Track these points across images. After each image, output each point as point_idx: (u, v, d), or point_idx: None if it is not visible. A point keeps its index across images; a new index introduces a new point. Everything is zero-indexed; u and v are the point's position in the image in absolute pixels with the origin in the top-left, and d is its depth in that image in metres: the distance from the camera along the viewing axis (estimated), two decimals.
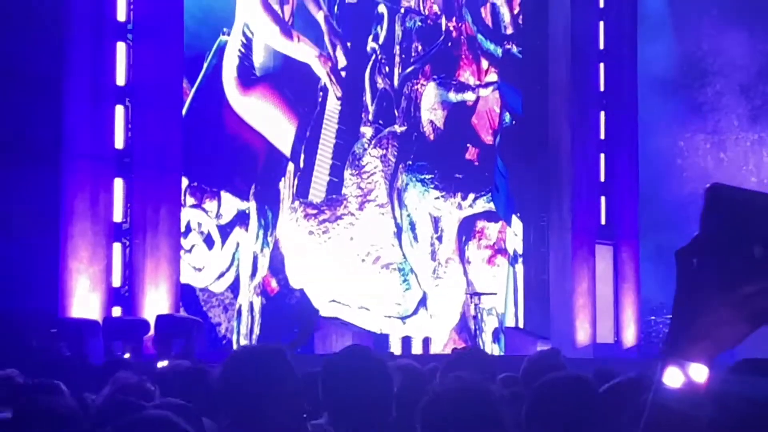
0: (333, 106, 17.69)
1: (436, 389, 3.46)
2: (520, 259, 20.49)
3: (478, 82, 20.18)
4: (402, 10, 18.82)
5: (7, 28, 13.63)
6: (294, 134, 17.26)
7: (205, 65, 16.58)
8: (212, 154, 16.55)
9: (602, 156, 21.85)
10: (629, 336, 21.32)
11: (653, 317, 21.56)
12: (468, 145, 19.48)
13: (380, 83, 18.11)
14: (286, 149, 17.13)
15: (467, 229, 19.33)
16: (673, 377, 1.77)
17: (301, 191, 17.27)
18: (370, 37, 18.27)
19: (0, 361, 7.60)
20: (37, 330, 12.89)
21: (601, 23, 22.00)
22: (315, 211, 17.22)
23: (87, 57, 14.59)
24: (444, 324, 18.86)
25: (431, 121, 18.75)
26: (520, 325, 20.99)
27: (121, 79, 15.17)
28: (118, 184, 15.06)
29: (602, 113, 21.90)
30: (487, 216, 19.72)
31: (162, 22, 15.45)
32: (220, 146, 16.66)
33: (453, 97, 19.43)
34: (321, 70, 17.64)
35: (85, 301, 14.16)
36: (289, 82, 17.29)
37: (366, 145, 17.75)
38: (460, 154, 19.47)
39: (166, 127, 15.48)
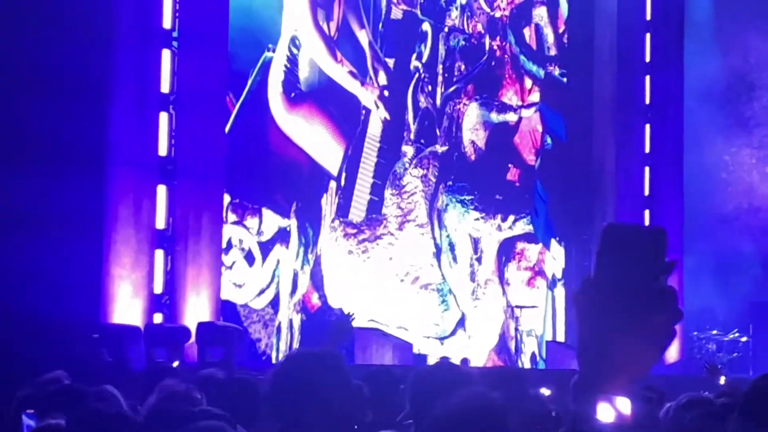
0: (375, 124, 17.70)
1: (443, 405, 3.41)
2: (559, 283, 20.27)
3: (520, 103, 20.06)
4: (446, 29, 18.74)
5: (53, 35, 13.69)
6: (337, 152, 17.28)
7: (250, 81, 16.61)
8: (255, 171, 16.61)
9: (647, 169, 21.71)
10: (672, 351, 21.10)
11: (696, 332, 21.38)
12: (509, 165, 19.41)
13: (422, 102, 18.10)
14: (329, 166, 17.18)
15: (507, 251, 19.22)
16: (605, 412, 1.84)
17: (342, 210, 17.30)
18: (414, 56, 18.24)
19: (43, 366, 7.60)
20: (79, 335, 12.94)
21: (648, 35, 21.88)
22: (354, 231, 17.25)
23: (132, 64, 14.64)
24: (482, 345, 18.80)
25: (472, 142, 18.69)
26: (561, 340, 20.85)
27: (165, 87, 15.22)
28: (161, 191, 15.09)
29: (647, 126, 21.77)
30: (527, 238, 19.60)
31: (207, 30, 15.49)
32: (262, 163, 16.72)
33: (495, 117, 19.35)
34: (367, 98, 17.60)
35: (126, 307, 14.19)
36: (333, 99, 17.31)
37: (407, 165, 17.76)
38: (501, 174, 19.37)
39: (210, 135, 15.51)
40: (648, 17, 21.92)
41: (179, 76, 15.34)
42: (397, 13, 17.69)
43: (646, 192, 21.66)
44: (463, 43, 18.94)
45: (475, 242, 18.54)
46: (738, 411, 4.19)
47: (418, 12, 18.25)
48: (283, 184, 16.78)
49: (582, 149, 21.36)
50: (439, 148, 18.14)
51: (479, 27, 19.54)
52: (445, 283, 18.00)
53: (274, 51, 16.85)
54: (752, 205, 24.37)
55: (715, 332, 21.18)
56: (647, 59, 21.86)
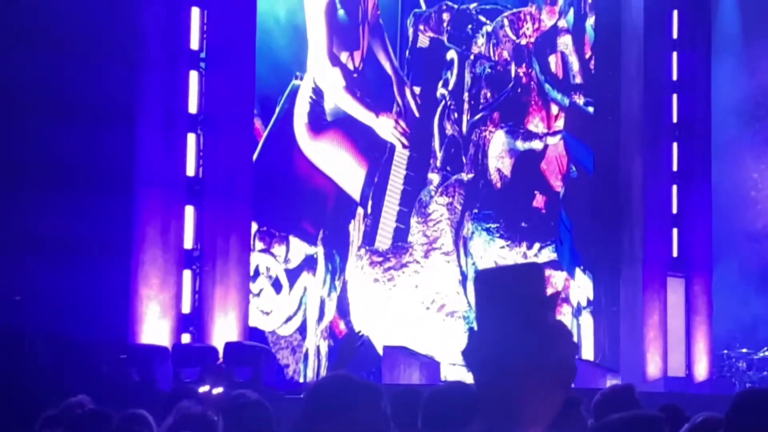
0: (401, 151, 17.75)
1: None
2: (585, 311, 20.26)
3: (546, 130, 20.02)
4: (472, 56, 18.74)
5: (82, 55, 13.80)
6: (363, 179, 17.34)
7: (278, 109, 16.69)
8: (282, 199, 16.68)
9: (675, 188, 21.67)
10: (701, 370, 21.05)
11: (726, 351, 21.28)
12: (536, 192, 19.43)
13: (449, 129, 18.11)
14: (356, 194, 17.24)
15: None
16: None
17: (368, 237, 17.35)
18: (440, 83, 18.24)
19: (71, 386, 7.65)
20: (108, 355, 12.99)
21: (675, 54, 21.86)
22: (380, 259, 17.27)
23: (160, 84, 14.72)
24: None
25: (498, 169, 18.73)
26: (590, 358, 20.82)
27: (193, 107, 15.29)
28: (189, 211, 15.15)
29: (675, 144, 21.73)
30: (553, 265, 19.63)
31: (235, 51, 15.56)
32: (289, 191, 16.79)
33: (520, 145, 19.35)
34: (386, 131, 17.62)
35: (154, 327, 14.24)
36: (359, 127, 17.38)
37: (433, 193, 17.81)
38: (527, 201, 19.39)
39: (237, 156, 15.57)
40: (675, 36, 21.90)
41: (206, 96, 15.41)
42: (423, 41, 17.72)
43: (675, 210, 21.61)
44: (489, 70, 18.94)
45: None
46: (723, 428, 4.16)
47: (445, 39, 18.28)
48: (310, 211, 16.86)
49: (609, 175, 21.36)
50: (465, 176, 18.22)
51: (505, 54, 19.51)
52: (470, 311, 17.99)
53: (301, 79, 16.91)
54: None
55: (744, 350, 21.07)
56: (674, 78, 21.83)
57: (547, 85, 20.19)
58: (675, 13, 21.97)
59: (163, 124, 14.68)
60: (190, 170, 15.21)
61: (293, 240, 16.75)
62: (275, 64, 16.79)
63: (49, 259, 13.54)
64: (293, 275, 16.84)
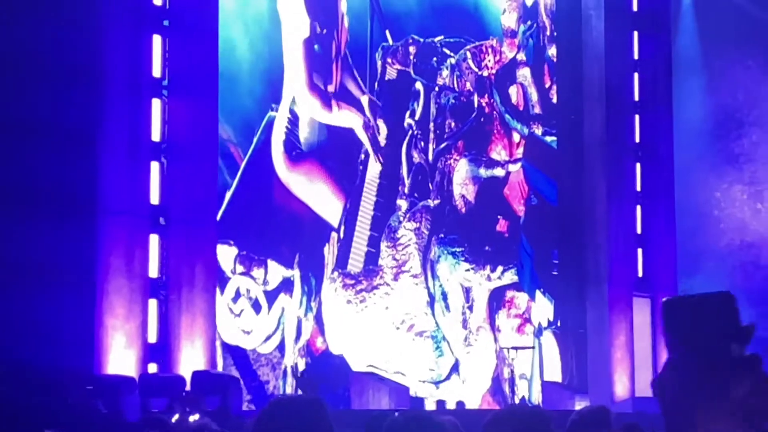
0: (372, 178, 18.20)
1: None
2: (546, 331, 20.43)
3: (507, 158, 20.35)
4: (437, 88, 19.31)
5: (43, 83, 13.69)
6: (337, 205, 17.83)
7: (255, 139, 16.95)
8: (261, 224, 17.08)
9: (638, 208, 21.75)
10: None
11: None
12: (499, 216, 19.85)
13: (416, 158, 18.63)
14: (330, 218, 17.74)
15: (497, 299, 19.66)
16: None
17: (341, 261, 17.74)
18: (408, 113, 18.80)
19: (37, 419, 7.54)
20: (74, 387, 12.84)
21: (636, 74, 21.97)
22: (353, 281, 17.72)
23: (122, 113, 14.64)
24: (476, 388, 19.04)
25: (463, 196, 19.15)
26: (558, 379, 20.81)
27: (156, 135, 15.21)
28: (154, 240, 15.05)
29: (638, 165, 21.82)
30: (516, 286, 20.03)
31: (197, 78, 15.51)
32: (268, 217, 17.22)
33: (483, 173, 19.78)
34: (364, 136, 18.18)
35: (121, 357, 14.11)
36: (332, 155, 17.81)
37: (401, 218, 18.29)
38: (491, 226, 19.77)
39: (201, 183, 15.49)
40: (636, 56, 22.02)
41: (170, 124, 15.34)
42: (391, 73, 18.37)
43: (639, 230, 21.69)
44: (453, 101, 19.48)
45: (467, 291, 18.94)
46: None
47: (411, 71, 18.87)
48: (287, 236, 17.33)
49: (572, 197, 21.45)
50: (432, 202, 18.67)
51: (468, 85, 19.95)
52: (438, 330, 18.44)
53: (277, 110, 17.03)
54: (744, 241, 24.38)
55: None
56: (636, 98, 21.94)
57: (507, 116, 20.36)
58: (635, 34, 22.09)
59: (126, 153, 14.59)
60: (154, 198, 15.12)
61: (271, 263, 17.10)
62: (254, 93, 17.08)
63: (13, 289, 13.39)
64: (272, 296, 17.15)
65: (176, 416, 12.24)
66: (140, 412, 12.71)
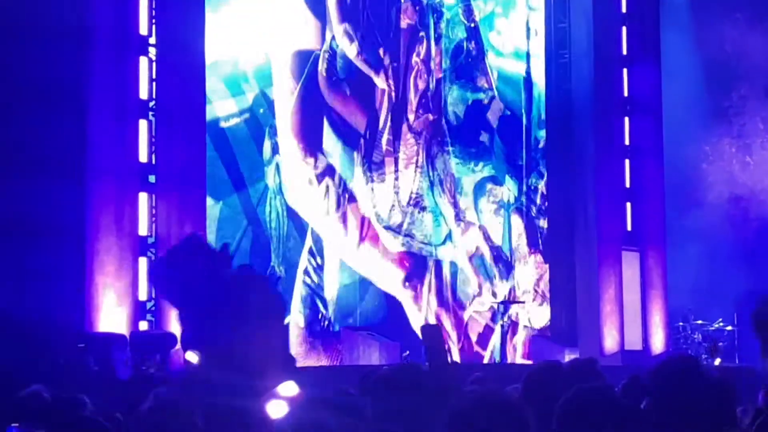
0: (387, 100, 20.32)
1: (458, 403, 3.41)
2: (512, 208, 21.70)
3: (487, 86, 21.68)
4: (435, 36, 21.29)
5: (29, 42, 13.68)
6: (362, 119, 19.80)
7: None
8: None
9: (627, 162, 21.80)
10: (657, 342, 21.21)
11: (681, 323, 21.46)
12: (481, 131, 21.74)
13: (420, 85, 20.88)
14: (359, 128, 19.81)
15: (480, 188, 21.40)
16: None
17: (367, 155, 19.82)
18: (414, 54, 20.86)
19: (28, 376, 7.59)
20: (65, 345, 12.92)
21: (624, 28, 21.95)
22: (376, 166, 19.96)
23: (110, 72, 14.63)
24: (465, 251, 20.82)
25: (455, 112, 21.28)
26: (548, 334, 20.96)
27: (144, 93, 15.20)
28: (143, 198, 15.08)
29: (626, 119, 21.85)
30: (494, 180, 21.59)
31: (184, 35, 15.49)
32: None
33: (470, 96, 21.55)
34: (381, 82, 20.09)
35: (111, 315, 14.18)
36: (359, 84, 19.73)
37: (411, 126, 20.67)
38: (475, 136, 21.58)
39: (190, 141, 15.52)
40: (624, 10, 21.99)
41: (158, 82, 15.33)
42: (403, 24, 20.76)
43: (627, 184, 21.75)
44: (449, 45, 21.40)
45: (457, 180, 20.96)
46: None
47: (417, 24, 21.01)
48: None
49: (560, 151, 21.64)
50: (431, 117, 20.87)
51: (459, 34, 21.35)
52: (436, 207, 20.62)
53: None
54: (733, 194, 24.45)
55: (700, 322, 21.25)
56: (624, 52, 21.93)
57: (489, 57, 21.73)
58: None
59: (114, 112, 14.60)
60: (143, 157, 15.14)
61: None
62: None
63: (2, 248, 13.45)
64: None
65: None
66: (131, 369, 12.80)
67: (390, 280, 19.51)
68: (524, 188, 22.11)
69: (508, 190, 22.03)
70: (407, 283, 19.84)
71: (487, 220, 21.29)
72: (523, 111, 21.75)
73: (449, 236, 20.78)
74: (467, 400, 3.36)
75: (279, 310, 3.37)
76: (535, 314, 21.24)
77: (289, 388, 1.85)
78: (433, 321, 19.11)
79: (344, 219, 19.00)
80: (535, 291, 21.40)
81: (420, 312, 19.58)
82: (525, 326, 20.98)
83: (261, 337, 2.96)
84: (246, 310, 3.06)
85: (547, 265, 21.65)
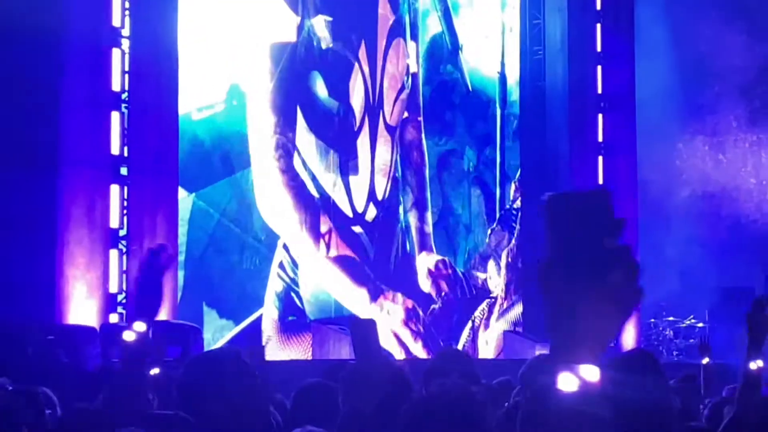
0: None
1: (419, 395, 3.41)
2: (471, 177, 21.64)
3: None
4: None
5: (1, 35, 13.59)
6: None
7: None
8: None
9: (600, 159, 21.84)
10: (629, 339, 21.22)
11: (653, 320, 21.52)
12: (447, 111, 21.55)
13: (397, 82, 20.27)
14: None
15: (443, 159, 21.24)
16: (567, 382, 1.84)
17: None
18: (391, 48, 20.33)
19: None
20: (34, 337, 12.85)
21: (599, 25, 21.99)
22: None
23: (82, 63, 14.57)
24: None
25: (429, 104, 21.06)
26: (520, 330, 20.99)
27: (116, 85, 15.14)
28: (115, 190, 15.02)
29: (600, 116, 21.90)
30: (456, 153, 21.50)
31: (157, 27, 15.44)
32: None
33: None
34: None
35: (82, 307, 14.12)
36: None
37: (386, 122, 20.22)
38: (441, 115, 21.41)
39: (163, 134, 15.47)
40: (598, 7, 22.04)
41: (131, 74, 15.28)
42: (380, 16, 20.17)
43: (601, 181, 21.80)
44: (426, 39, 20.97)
45: (423, 153, 20.76)
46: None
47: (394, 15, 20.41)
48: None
49: (534, 146, 21.66)
50: (406, 114, 20.57)
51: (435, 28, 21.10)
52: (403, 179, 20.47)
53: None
54: (706, 191, 24.55)
55: (671, 318, 21.31)
56: (599, 49, 21.98)
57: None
58: None
59: (86, 103, 14.54)
60: (115, 149, 15.08)
61: None
62: None
63: None
64: None
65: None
66: (101, 362, 12.74)
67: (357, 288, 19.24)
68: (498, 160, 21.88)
69: (469, 160, 22.09)
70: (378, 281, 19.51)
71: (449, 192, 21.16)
72: (497, 106, 21.74)
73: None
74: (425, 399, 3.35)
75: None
76: (508, 309, 21.28)
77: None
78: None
79: (316, 216, 18.59)
80: (507, 287, 21.44)
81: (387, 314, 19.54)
82: (497, 321, 21.01)
83: None
84: None
85: (506, 233, 21.71)
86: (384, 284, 19.42)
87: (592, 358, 1.85)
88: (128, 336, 4.02)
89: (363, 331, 4.19)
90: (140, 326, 4.06)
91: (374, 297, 19.17)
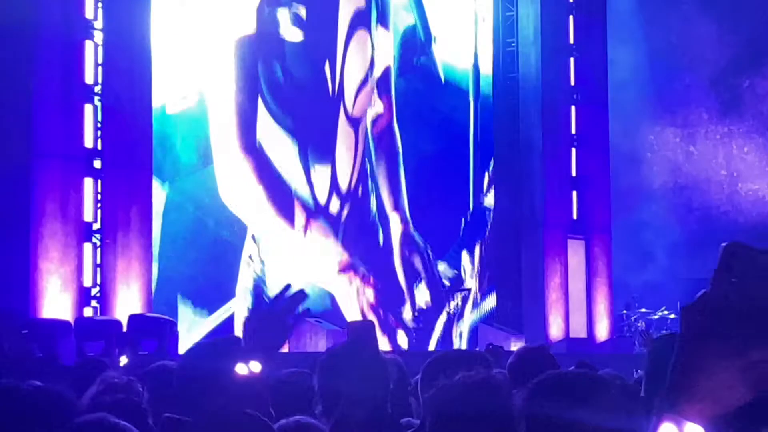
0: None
1: (445, 382, 3.40)
2: None
3: None
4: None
5: None
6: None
7: None
8: None
9: (573, 150, 21.91)
10: (602, 330, 21.37)
11: (625, 311, 21.61)
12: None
13: (362, 73, 19.84)
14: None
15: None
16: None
17: None
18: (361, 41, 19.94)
19: None
20: (8, 331, 12.79)
21: (571, 17, 22.04)
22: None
23: (55, 55, 14.48)
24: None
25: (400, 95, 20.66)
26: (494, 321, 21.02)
27: (89, 78, 15.06)
28: (88, 183, 14.95)
29: (573, 108, 21.95)
30: None
31: (130, 19, 15.37)
32: None
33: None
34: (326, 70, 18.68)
35: (56, 301, 14.05)
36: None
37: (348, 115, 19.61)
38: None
39: (136, 126, 15.40)
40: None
41: (104, 67, 15.21)
42: (350, 8, 19.75)
43: (573, 173, 21.86)
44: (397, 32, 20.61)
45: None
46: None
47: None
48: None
49: (507, 137, 21.68)
50: (374, 105, 20.13)
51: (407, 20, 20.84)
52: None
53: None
54: (677, 183, 24.68)
55: (643, 310, 21.41)
56: (571, 41, 22.02)
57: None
58: None
59: (59, 96, 14.46)
60: (89, 142, 15.01)
61: None
62: None
63: None
64: None
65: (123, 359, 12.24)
66: (76, 356, 12.70)
67: (327, 271, 19.02)
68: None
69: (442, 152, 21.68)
70: (348, 273, 19.34)
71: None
72: (470, 98, 21.74)
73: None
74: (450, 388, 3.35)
75: None
76: (481, 300, 21.30)
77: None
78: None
79: (282, 208, 18.35)
80: (480, 279, 21.46)
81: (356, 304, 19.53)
82: (470, 313, 21.04)
83: None
84: None
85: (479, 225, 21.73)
86: (354, 273, 19.40)
87: (701, 418, 1.74)
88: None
89: (361, 333, 4.18)
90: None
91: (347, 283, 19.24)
